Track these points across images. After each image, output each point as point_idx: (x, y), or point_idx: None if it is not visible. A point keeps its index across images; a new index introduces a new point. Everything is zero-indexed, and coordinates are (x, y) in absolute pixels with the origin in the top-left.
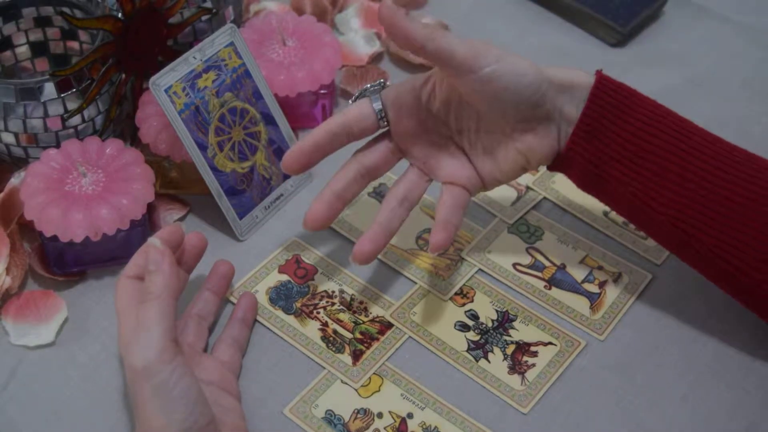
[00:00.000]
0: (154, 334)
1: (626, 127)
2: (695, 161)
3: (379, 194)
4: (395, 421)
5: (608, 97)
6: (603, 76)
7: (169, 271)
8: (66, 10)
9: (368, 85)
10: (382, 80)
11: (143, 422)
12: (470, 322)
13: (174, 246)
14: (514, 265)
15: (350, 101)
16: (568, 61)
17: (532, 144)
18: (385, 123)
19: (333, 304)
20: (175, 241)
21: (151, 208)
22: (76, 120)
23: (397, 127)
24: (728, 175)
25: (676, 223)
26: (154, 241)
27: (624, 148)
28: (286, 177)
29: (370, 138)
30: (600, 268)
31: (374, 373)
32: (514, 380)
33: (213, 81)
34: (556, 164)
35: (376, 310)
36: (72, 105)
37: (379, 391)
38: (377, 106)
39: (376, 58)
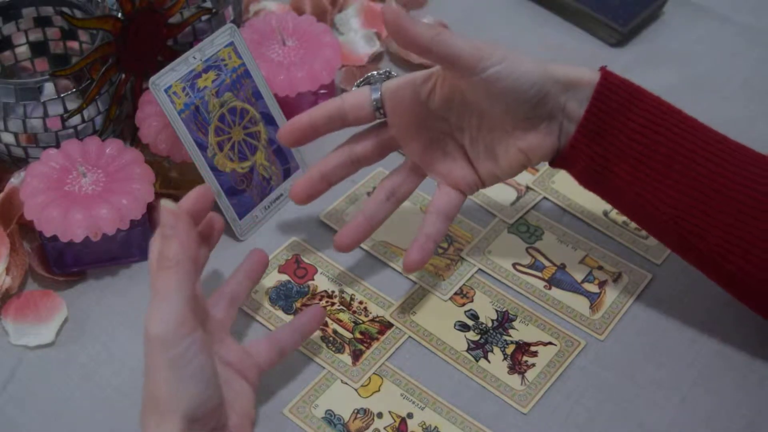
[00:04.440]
0: (174, 304)
1: (631, 125)
2: (699, 159)
3: None
4: (395, 421)
5: (613, 94)
6: (608, 72)
7: (185, 234)
8: (66, 10)
9: (374, 72)
10: (388, 70)
11: (152, 390)
12: (470, 322)
13: (200, 210)
14: (514, 265)
15: (354, 85)
16: (568, 61)
17: (533, 142)
18: (381, 114)
19: (333, 304)
20: (202, 205)
21: (151, 208)
22: (75, 120)
23: (393, 120)
24: (733, 175)
25: (679, 222)
26: (166, 202)
27: (628, 146)
28: (285, 177)
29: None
30: (600, 268)
31: (374, 373)
32: (514, 380)
33: (213, 81)
34: (559, 162)
35: (375, 310)
36: (72, 105)
37: (379, 391)
38: (375, 96)
39: (375, 58)
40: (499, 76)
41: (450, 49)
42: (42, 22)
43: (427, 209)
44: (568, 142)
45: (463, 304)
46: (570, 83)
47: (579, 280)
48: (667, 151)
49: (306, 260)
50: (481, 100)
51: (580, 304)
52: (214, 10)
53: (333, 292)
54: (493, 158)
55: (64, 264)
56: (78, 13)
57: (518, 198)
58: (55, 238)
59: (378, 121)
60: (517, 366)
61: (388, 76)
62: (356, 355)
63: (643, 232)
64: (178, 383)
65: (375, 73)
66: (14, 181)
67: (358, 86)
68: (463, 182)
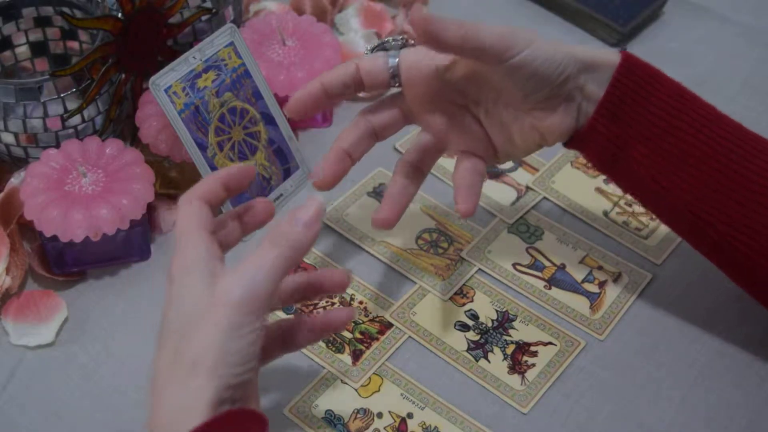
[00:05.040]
0: (269, 280)
1: (650, 108)
2: (717, 147)
3: (378, 194)
4: (395, 421)
5: (633, 76)
6: (628, 55)
7: (313, 236)
8: (66, 10)
9: (389, 38)
10: (404, 37)
11: (196, 347)
12: (470, 322)
13: (236, 186)
14: (514, 265)
15: (366, 51)
16: None
17: (551, 123)
18: (397, 83)
19: (333, 304)
20: (241, 182)
21: (151, 208)
22: (76, 120)
23: (410, 91)
24: (748, 163)
25: (692, 209)
26: (321, 199)
27: (647, 128)
28: (285, 177)
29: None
30: (600, 267)
31: (374, 373)
32: (514, 380)
33: (213, 81)
34: (574, 142)
35: (376, 310)
36: (72, 105)
37: (379, 391)
38: (392, 63)
39: None
40: (524, 62)
41: (478, 43)
42: (42, 22)
43: (454, 172)
44: (586, 122)
45: (463, 304)
46: (590, 64)
47: (579, 280)
48: (686, 136)
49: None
50: (504, 83)
51: (580, 304)
52: (214, 10)
53: None
54: (509, 135)
55: (64, 264)
56: (78, 13)
57: (518, 198)
58: (55, 238)
59: (392, 92)
60: (517, 366)
61: (404, 43)
62: (356, 355)
63: (643, 232)
64: (229, 349)
65: (391, 39)
66: (14, 181)
67: (372, 51)
68: (484, 154)
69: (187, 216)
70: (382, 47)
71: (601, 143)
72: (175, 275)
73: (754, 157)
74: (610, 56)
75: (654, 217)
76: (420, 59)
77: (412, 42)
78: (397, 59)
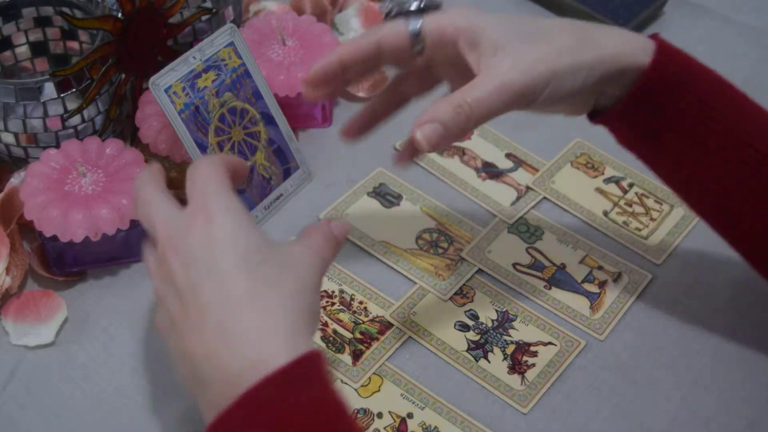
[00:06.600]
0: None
1: (680, 103)
2: (748, 138)
3: (379, 194)
4: (395, 421)
5: (666, 72)
6: (662, 49)
7: (338, 247)
8: (66, 10)
9: (407, 5)
10: (422, 2)
11: (290, 281)
12: (470, 322)
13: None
14: (514, 265)
15: (384, 14)
16: None
17: (563, 111)
18: (420, 48)
19: (333, 303)
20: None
21: None
22: (75, 120)
23: (433, 54)
24: None
25: (721, 199)
26: (344, 222)
27: (677, 120)
28: (285, 177)
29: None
30: (600, 268)
31: (374, 373)
32: (514, 380)
33: (213, 81)
34: (601, 120)
35: (376, 310)
36: (72, 105)
37: (379, 391)
38: (414, 27)
39: None
40: (549, 98)
41: (490, 111)
42: (42, 22)
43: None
44: (613, 105)
45: (463, 304)
46: (616, 74)
47: (579, 280)
48: (718, 127)
49: None
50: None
51: (580, 304)
52: (214, 10)
53: (333, 291)
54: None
55: (64, 264)
56: (78, 13)
57: (518, 198)
58: (55, 238)
59: (413, 53)
60: (517, 366)
61: (422, 9)
62: (356, 355)
63: (643, 232)
64: (316, 299)
65: (407, 5)
66: (14, 181)
67: (389, 18)
68: None
69: (206, 173)
70: (400, 13)
71: (627, 126)
72: (217, 217)
73: None
74: (639, 58)
75: (654, 217)
76: (445, 25)
77: (437, 3)
78: (419, 24)
